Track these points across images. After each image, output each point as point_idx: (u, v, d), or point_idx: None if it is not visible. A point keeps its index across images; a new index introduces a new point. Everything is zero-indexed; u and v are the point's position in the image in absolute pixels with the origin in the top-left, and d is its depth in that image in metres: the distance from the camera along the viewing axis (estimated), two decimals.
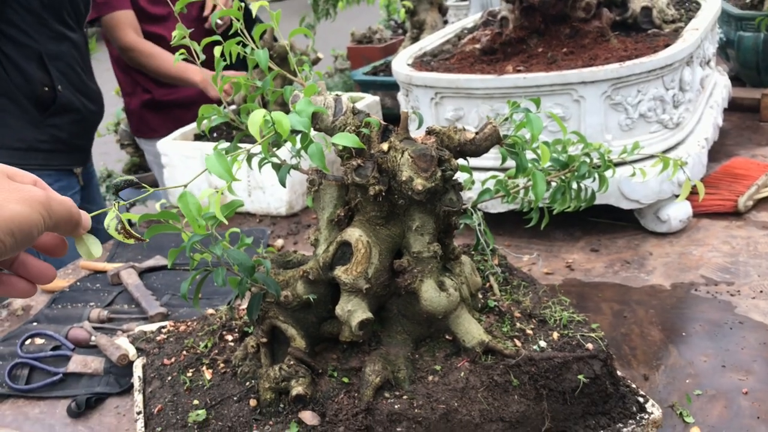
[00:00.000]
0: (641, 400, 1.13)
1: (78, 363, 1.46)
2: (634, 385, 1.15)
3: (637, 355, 1.34)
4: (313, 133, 0.96)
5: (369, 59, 3.28)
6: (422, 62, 1.94)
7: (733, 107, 2.47)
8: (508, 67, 1.75)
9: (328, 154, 1.09)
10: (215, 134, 2.38)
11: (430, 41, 2.14)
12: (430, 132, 1.10)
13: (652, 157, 1.63)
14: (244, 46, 1.14)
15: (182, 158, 2.25)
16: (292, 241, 2.00)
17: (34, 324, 1.65)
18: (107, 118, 3.30)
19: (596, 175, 1.33)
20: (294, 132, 0.93)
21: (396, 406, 1.02)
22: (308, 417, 1.01)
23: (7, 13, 2.09)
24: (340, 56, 3.45)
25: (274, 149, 1.15)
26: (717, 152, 2.13)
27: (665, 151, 1.71)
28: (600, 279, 1.61)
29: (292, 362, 1.05)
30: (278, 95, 1.12)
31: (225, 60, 1.12)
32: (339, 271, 1.05)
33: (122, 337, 1.50)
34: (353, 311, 1.04)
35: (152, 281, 1.80)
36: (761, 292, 1.48)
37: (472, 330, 1.09)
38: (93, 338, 1.53)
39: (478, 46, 1.88)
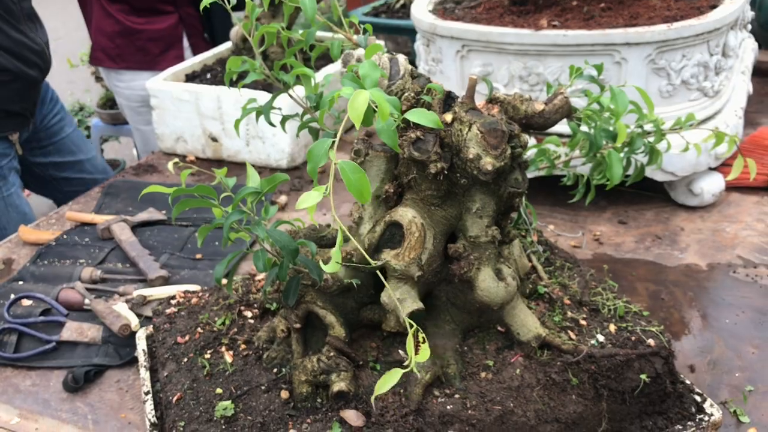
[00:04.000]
0: (698, 398, 1.05)
1: (73, 330, 1.33)
2: (688, 382, 1.08)
3: (682, 344, 1.26)
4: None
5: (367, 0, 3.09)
6: (445, 9, 1.79)
7: (753, 72, 2.37)
8: (542, 21, 1.61)
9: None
10: (209, 75, 2.20)
11: None
12: (493, 101, 0.97)
13: (698, 126, 1.54)
14: None
15: (174, 101, 2.07)
16: (296, 198, 1.87)
17: (20, 283, 1.50)
18: (82, 47, 3.07)
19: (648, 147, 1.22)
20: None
21: (448, 407, 0.92)
22: (352, 417, 0.91)
23: None
24: None
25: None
26: None
27: (704, 121, 1.61)
28: (631, 255, 1.52)
29: (332, 353, 0.95)
30: (322, 50, 0.98)
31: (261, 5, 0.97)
32: (389, 256, 0.93)
33: (120, 303, 1.37)
34: (402, 300, 0.93)
35: (147, 237, 1.66)
36: None
37: (528, 322, 0.99)
38: (87, 301, 1.40)
39: None
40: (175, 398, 0.99)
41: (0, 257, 1.66)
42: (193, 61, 2.27)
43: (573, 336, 1.03)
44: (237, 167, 2.05)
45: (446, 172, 0.91)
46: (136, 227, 1.71)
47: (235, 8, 1.05)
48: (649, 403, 1.02)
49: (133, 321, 1.30)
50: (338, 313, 0.98)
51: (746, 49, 2.05)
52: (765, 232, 1.56)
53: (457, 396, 0.94)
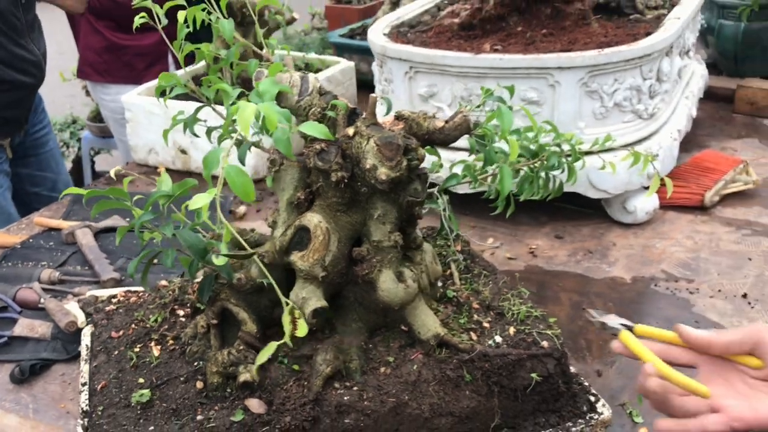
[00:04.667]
0: (592, 399, 1.13)
1: (24, 327, 1.41)
2: (586, 383, 1.15)
3: (592, 350, 1.34)
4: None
5: (347, 20, 3.20)
6: (399, 33, 1.89)
7: (708, 96, 2.45)
8: (486, 45, 1.70)
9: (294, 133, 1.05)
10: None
11: (409, 10, 2.08)
12: (399, 117, 1.06)
13: (624, 147, 1.62)
14: (210, 12, 1.08)
15: (146, 114, 2.17)
16: (255, 209, 1.95)
17: None
18: (73, 62, 3.18)
19: (566, 166, 1.31)
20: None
21: (345, 398, 1.00)
22: (255, 405, 0.99)
23: None
24: (317, 14, 3.35)
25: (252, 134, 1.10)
26: (688, 142, 2.12)
27: (638, 142, 1.69)
28: (562, 268, 1.60)
29: (241, 347, 1.03)
30: (242, 68, 1.07)
31: (188, 27, 1.06)
32: (295, 257, 1.02)
33: (72, 302, 1.45)
34: (307, 299, 1.01)
35: (108, 243, 1.75)
36: (719, 291, 1.48)
37: (428, 322, 1.07)
38: (42, 301, 1.48)
39: (456, 20, 1.83)
40: (100, 386, 1.07)
41: None
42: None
43: (474, 337, 1.10)
44: (204, 181, 2.14)
45: (347, 181, 0.99)
46: (99, 233, 1.80)
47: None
48: (543, 401, 1.09)
49: (80, 318, 1.38)
50: (251, 311, 1.06)
51: (694, 74, 2.14)
52: (692, 249, 1.64)
53: (355, 388, 1.02)
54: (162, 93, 1.09)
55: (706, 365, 0.84)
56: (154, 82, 2.32)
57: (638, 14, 1.88)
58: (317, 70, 2.38)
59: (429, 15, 2.04)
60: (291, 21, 2.37)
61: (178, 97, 2.19)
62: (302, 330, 0.76)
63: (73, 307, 1.43)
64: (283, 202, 1.07)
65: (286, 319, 0.75)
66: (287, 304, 0.75)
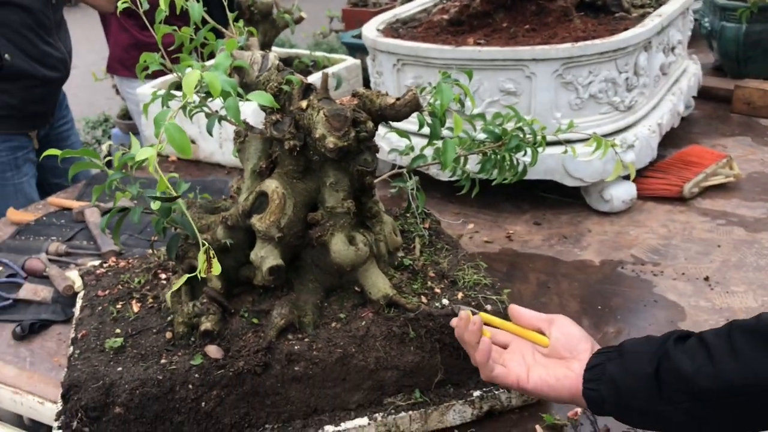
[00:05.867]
0: None
1: (28, 290, 1.54)
2: None
3: None
4: None
5: (362, 22, 3.30)
6: (392, 29, 1.98)
7: (708, 96, 2.50)
8: (470, 39, 1.79)
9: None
10: None
11: (406, 8, 2.18)
12: (354, 94, 1.15)
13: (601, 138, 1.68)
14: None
15: (159, 107, 2.30)
16: None
17: None
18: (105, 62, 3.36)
19: (528, 149, 1.38)
20: None
21: (296, 347, 1.09)
22: (213, 351, 1.08)
23: None
24: (335, 17, 3.47)
25: (209, 100, 1.21)
26: (681, 139, 2.17)
27: (614, 133, 1.76)
28: (535, 251, 1.67)
29: (205, 300, 1.13)
30: (211, 48, 1.18)
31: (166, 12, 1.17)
32: (254, 219, 1.12)
33: (73, 270, 1.58)
34: (265, 257, 1.11)
35: (113, 221, 1.87)
36: (683, 274, 1.53)
37: (378, 283, 1.16)
38: (47, 269, 1.61)
39: (446, 16, 1.92)
40: (80, 335, 1.18)
41: None
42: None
43: (425, 300, 1.19)
44: (211, 167, 2.26)
45: (300, 149, 1.09)
46: (106, 213, 1.93)
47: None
48: None
49: (77, 283, 1.50)
50: None
51: (685, 72, 2.19)
52: (664, 236, 1.69)
53: (306, 340, 1.11)
54: (144, 70, 1.20)
55: (514, 343, 1.04)
56: (169, 77, 2.45)
57: (624, 12, 1.94)
58: (323, 67, 2.48)
59: (425, 13, 2.13)
60: (299, 20, 2.48)
61: (178, 89, 2.31)
62: (216, 269, 0.85)
63: (72, 274, 1.55)
64: (248, 170, 1.17)
65: (201, 258, 0.84)
66: (203, 244, 0.84)
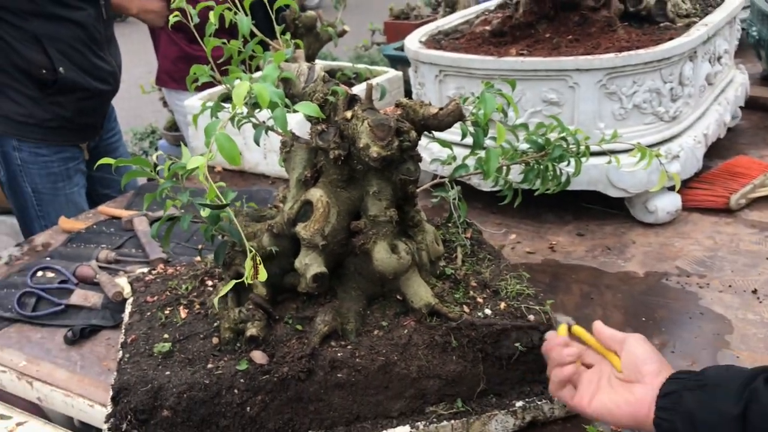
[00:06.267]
0: None
1: (79, 296, 1.59)
2: None
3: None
4: None
5: (404, 35, 3.33)
6: (434, 40, 2.00)
7: (756, 106, 2.46)
8: (512, 50, 1.79)
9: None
10: None
11: (448, 20, 2.19)
12: (398, 105, 1.17)
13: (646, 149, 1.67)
14: (236, 13, 1.22)
15: (208, 118, 2.35)
16: None
17: (48, 259, 1.78)
18: (154, 71, 3.44)
19: (571, 159, 1.38)
20: None
21: (339, 354, 1.11)
22: (258, 356, 1.10)
23: None
24: (377, 30, 3.51)
25: (256, 111, 1.24)
26: (727, 149, 2.13)
27: (659, 144, 1.74)
28: (578, 262, 1.66)
29: (251, 306, 1.15)
30: (259, 60, 1.21)
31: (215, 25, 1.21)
32: (299, 227, 1.14)
33: (122, 277, 1.62)
34: (309, 265, 1.13)
35: (160, 233, 1.92)
36: (730, 286, 1.51)
37: (420, 292, 1.16)
38: (97, 276, 1.65)
39: (488, 28, 1.93)
40: (130, 339, 1.22)
41: (41, 241, 1.96)
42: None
43: (467, 310, 1.19)
44: (256, 177, 2.30)
45: (345, 159, 1.11)
46: (155, 221, 1.97)
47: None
48: (528, 371, 1.17)
49: (127, 289, 1.54)
50: None
51: (732, 83, 2.15)
52: (710, 248, 1.66)
53: (349, 347, 1.12)
54: (194, 82, 1.23)
55: (597, 364, 1.02)
56: (217, 88, 2.51)
57: (669, 22, 1.92)
58: (366, 79, 2.51)
59: (467, 24, 2.14)
60: (342, 33, 2.52)
61: (227, 100, 2.37)
62: (262, 275, 0.87)
63: (122, 280, 1.59)
64: (293, 180, 1.19)
65: (248, 264, 0.86)
66: (251, 251, 0.86)
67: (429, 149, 1.87)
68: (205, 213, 1.05)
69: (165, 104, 4.15)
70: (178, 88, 3.17)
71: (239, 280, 0.91)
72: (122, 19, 7.70)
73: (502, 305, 1.20)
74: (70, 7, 2.23)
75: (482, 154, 1.34)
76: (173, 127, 3.99)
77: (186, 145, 3.68)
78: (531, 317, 1.17)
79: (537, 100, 1.72)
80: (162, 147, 4.04)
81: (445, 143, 1.41)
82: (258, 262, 0.86)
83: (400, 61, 2.96)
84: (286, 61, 1.20)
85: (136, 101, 5.25)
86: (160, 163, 3.28)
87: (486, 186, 1.84)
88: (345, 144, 1.10)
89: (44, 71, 2.20)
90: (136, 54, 6.26)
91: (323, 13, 2.55)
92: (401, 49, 3.08)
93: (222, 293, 0.92)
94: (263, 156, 2.28)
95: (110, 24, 2.52)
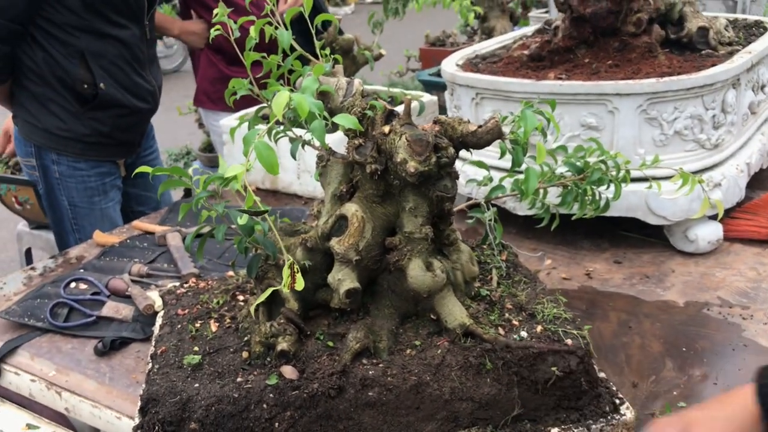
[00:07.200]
0: (617, 401, 1.15)
1: (110, 308, 1.59)
2: (613, 388, 1.18)
3: (631, 364, 1.35)
4: None
5: (439, 62, 3.34)
6: (471, 63, 1.99)
7: None
8: (551, 74, 1.78)
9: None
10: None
11: (485, 45, 2.19)
12: (436, 121, 1.16)
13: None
14: (277, 28, 1.23)
15: (245, 131, 2.37)
16: None
17: (81, 271, 1.79)
18: (190, 95, 3.49)
19: (611, 183, 1.35)
20: None
21: (370, 372, 1.08)
22: (288, 371, 1.09)
23: (48, 12, 2.14)
24: (412, 57, 3.52)
25: (293, 126, 1.24)
26: None
27: (700, 171, 1.70)
28: (615, 289, 1.62)
29: (282, 321, 1.13)
30: (298, 75, 1.21)
31: (256, 39, 1.21)
32: (333, 242, 1.12)
33: (154, 291, 1.62)
34: (342, 280, 1.11)
35: (194, 245, 1.92)
36: None
37: (455, 312, 1.14)
38: (129, 289, 1.66)
39: (526, 52, 1.92)
40: (160, 351, 1.21)
41: (75, 254, 1.98)
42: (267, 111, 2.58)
43: (502, 332, 1.16)
44: (289, 197, 2.31)
45: (381, 173, 1.09)
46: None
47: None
48: (564, 398, 1.13)
49: (158, 302, 1.53)
50: (294, 291, 1.17)
51: None
52: (753, 279, 1.62)
53: (381, 365, 1.10)
54: (232, 95, 1.23)
55: None
56: (253, 108, 2.53)
57: (711, 50, 1.89)
58: (400, 103, 2.51)
59: (504, 49, 2.14)
60: (379, 57, 2.53)
61: (264, 118, 2.38)
62: (299, 284, 0.85)
63: (153, 294, 1.59)
64: (328, 194, 1.18)
65: (285, 273, 0.84)
66: (289, 258, 0.85)
67: (464, 172, 1.85)
68: (242, 221, 1.03)
69: (200, 125, 4.20)
70: (215, 109, 3.21)
71: (277, 288, 0.89)
72: (164, 41, 7.87)
73: (539, 328, 1.17)
74: (116, 25, 2.26)
75: (519, 175, 1.33)
76: (207, 148, 4.03)
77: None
78: (569, 341, 1.13)
79: (575, 124, 1.70)
80: (196, 169, 4.08)
81: (481, 164, 1.40)
82: (296, 271, 0.85)
83: (434, 87, 2.97)
84: (325, 75, 1.20)
85: (173, 124, 5.33)
86: (194, 175, 3.26)
87: (521, 210, 1.81)
88: (382, 159, 1.09)
89: (86, 86, 2.23)
90: (174, 79, 6.38)
91: (360, 37, 2.56)
92: (436, 74, 3.10)
93: (261, 299, 0.90)
94: (296, 176, 2.29)
95: (153, 45, 2.56)
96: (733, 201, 1.77)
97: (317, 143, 1.22)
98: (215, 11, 1.25)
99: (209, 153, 3.94)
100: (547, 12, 3.99)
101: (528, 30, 2.40)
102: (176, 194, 4.79)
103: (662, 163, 1.60)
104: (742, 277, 1.63)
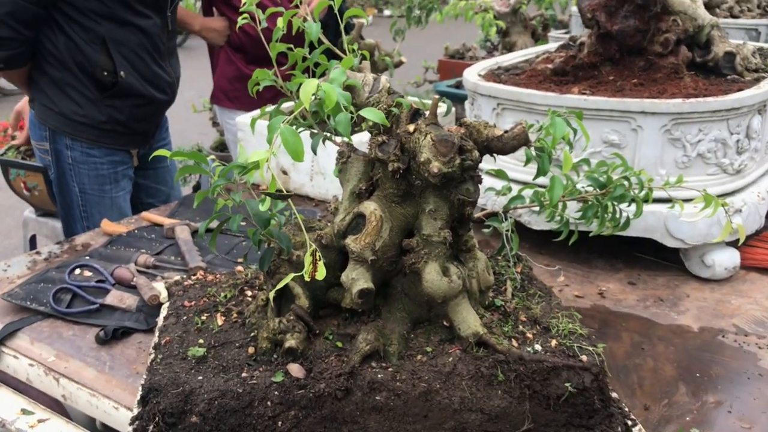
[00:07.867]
0: (629, 423, 1.12)
1: (114, 297, 1.56)
2: (626, 409, 1.15)
3: (644, 386, 1.32)
4: None
5: (458, 74, 3.33)
6: (493, 74, 1.97)
7: None
8: (574, 89, 1.76)
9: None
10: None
11: (508, 58, 2.17)
12: (461, 123, 1.13)
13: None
14: (305, 21, 1.21)
15: (257, 135, 2.35)
16: None
17: (87, 258, 1.77)
18: (205, 94, 3.48)
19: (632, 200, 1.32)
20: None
21: (379, 376, 1.05)
22: (295, 369, 1.06)
23: None
24: (430, 68, 3.51)
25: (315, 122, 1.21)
26: None
27: (720, 196, 1.67)
28: (628, 310, 1.59)
29: (291, 317, 1.11)
30: (323, 68, 1.18)
31: (284, 30, 1.19)
32: (349, 240, 1.10)
33: (160, 282, 1.59)
34: (356, 279, 1.08)
35: (202, 240, 1.90)
36: None
37: (469, 320, 1.11)
38: (134, 279, 1.63)
39: (550, 66, 1.90)
40: (164, 341, 1.18)
41: (81, 240, 1.95)
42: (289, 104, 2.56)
43: (515, 344, 1.13)
44: (300, 199, 2.28)
45: (403, 173, 1.07)
46: (196, 231, 1.96)
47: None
48: (576, 415, 1.10)
49: (163, 294, 1.51)
50: (306, 288, 1.14)
51: None
52: None
53: (390, 370, 1.07)
54: (255, 85, 1.21)
55: None
56: (271, 107, 2.51)
57: (737, 75, 1.87)
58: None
59: (527, 63, 2.12)
60: (399, 64, 2.51)
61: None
62: (321, 272, 0.83)
63: (159, 285, 1.56)
64: (347, 192, 1.16)
65: (307, 260, 0.82)
66: (311, 245, 0.83)
67: None
68: (264, 205, 1.00)
69: (214, 124, 4.20)
70: (231, 107, 3.20)
71: (294, 275, 0.87)
72: (182, 36, 7.87)
73: (553, 342, 1.14)
74: (139, 14, 2.26)
75: (539, 188, 1.30)
76: (219, 147, 4.02)
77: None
78: (584, 357, 1.10)
79: (597, 140, 1.67)
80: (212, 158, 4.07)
81: (501, 173, 1.37)
82: (318, 258, 0.82)
83: (452, 99, 2.95)
84: (351, 69, 1.18)
85: (185, 122, 5.33)
86: (202, 181, 3.27)
87: (537, 224, 1.79)
88: (405, 157, 1.07)
89: (106, 73, 2.22)
90: (190, 78, 6.38)
91: (381, 43, 2.55)
92: (454, 86, 3.08)
93: (280, 285, 0.87)
94: (309, 178, 2.26)
95: (174, 36, 2.56)
96: (753, 228, 1.74)
97: (338, 139, 1.20)
98: (243, 0, 1.23)
99: (221, 152, 3.93)
100: (567, 33, 3.98)
101: (552, 46, 2.38)
102: (185, 191, 4.78)
103: (683, 185, 1.57)
104: (758, 306, 1.60)
